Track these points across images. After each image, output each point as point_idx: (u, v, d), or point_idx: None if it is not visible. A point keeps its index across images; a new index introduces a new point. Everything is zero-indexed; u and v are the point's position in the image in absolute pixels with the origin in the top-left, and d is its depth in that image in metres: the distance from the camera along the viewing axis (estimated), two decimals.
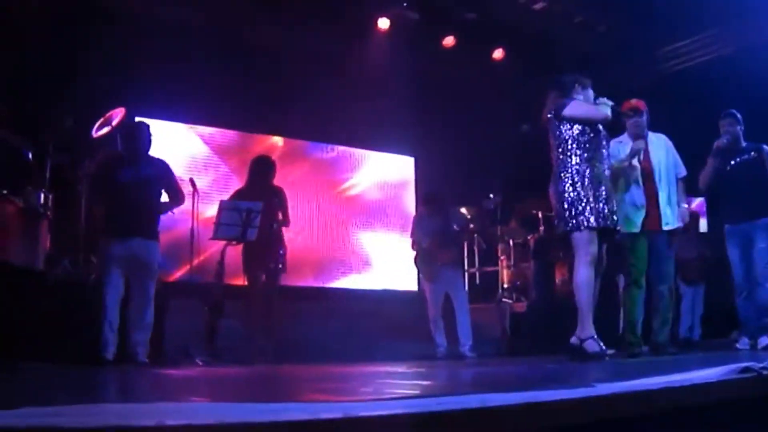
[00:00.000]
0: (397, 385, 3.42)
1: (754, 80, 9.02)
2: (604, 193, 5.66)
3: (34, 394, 2.86)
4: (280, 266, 7.92)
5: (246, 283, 7.89)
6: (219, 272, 7.46)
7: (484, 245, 11.14)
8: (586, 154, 5.67)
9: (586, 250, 5.60)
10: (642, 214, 6.54)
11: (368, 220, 12.02)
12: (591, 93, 5.91)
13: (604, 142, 5.85)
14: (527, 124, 11.86)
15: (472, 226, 9.84)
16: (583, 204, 5.58)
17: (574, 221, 5.60)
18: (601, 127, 5.81)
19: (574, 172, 5.65)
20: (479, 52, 11.82)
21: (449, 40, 11.51)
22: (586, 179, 5.62)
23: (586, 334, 5.49)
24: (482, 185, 10.82)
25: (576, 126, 5.71)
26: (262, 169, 8.11)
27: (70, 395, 2.73)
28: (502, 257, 11.34)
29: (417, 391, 3.01)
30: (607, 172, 5.80)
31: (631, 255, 6.58)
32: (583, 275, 5.60)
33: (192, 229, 7.78)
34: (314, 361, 7.03)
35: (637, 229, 6.53)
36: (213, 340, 7.20)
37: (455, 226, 8.81)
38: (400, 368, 5.70)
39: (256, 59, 10.19)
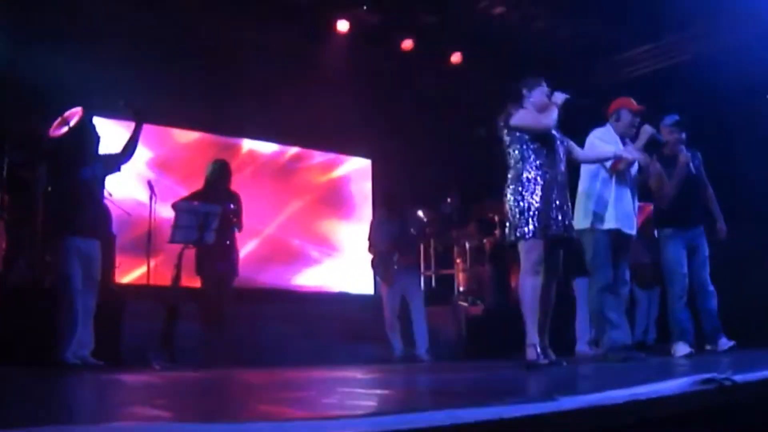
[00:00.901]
0: (357, 395, 3.41)
1: (710, 87, 9.13)
2: (556, 200, 5.59)
3: None
4: (233, 269, 7.91)
5: (201, 286, 7.85)
6: (176, 275, 7.40)
7: (441, 248, 11.19)
8: (537, 161, 5.62)
9: (527, 259, 5.56)
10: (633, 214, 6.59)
11: (325, 223, 11.99)
12: (543, 90, 5.82)
13: (558, 145, 5.78)
14: (483, 128, 11.90)
15: (428, 229, 9.87)
16: (529, 213, 5.53)
17: (518, 231, 5.57)
18: (554, 130, 5.77)
19: (524, 180, 5.60)
20: (438, 55, 11.83)
21: (408, 44, 11.51)
22: (536, 187, 5.57)
23: (528, 341, 5.43)
24: (439, 188, 10.84)
25: (525, 134, 5.67)
26: (218, 172, 8.04)
27: (31, 411, 2.68)
28: (458, 260, 11.38)
29: (378, 404, 3.00)
30: (561, 177, 5.70)
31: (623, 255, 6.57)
32: (524, 284, 5.58)
33: (149, 232, 7.72)
34: (272, 365, 7.01)
35: (632, 231, 6.56)
36: (170, 344, 7.14)
37: (412, 230, 8.82)
38: (358, 373, 5.69)
39: (215, 59, 10.09)
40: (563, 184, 5.73)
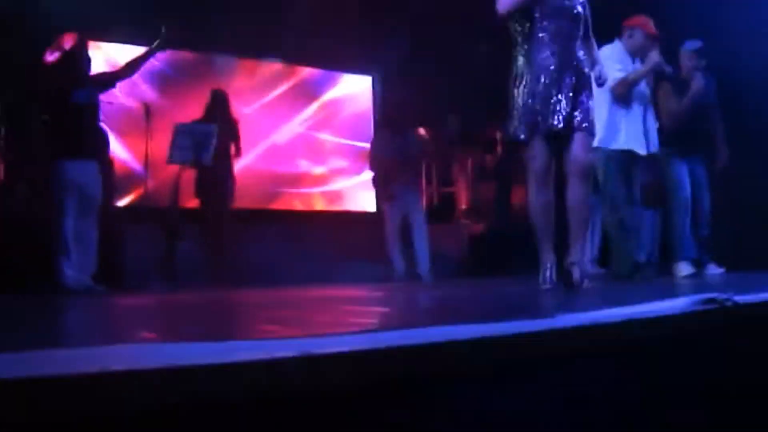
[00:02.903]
0: (354, 313, 3.38)
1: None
2: (558, 90, 4.55)
3: None
4: (231, 191, 7.94)
5: (199, 207, 7.86)
6: (174, 196, 7.38)
7: (443, 166, 11.12)
8: (533, 45, 4.62)
9: (528, 163, 4.67)
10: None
11: (325, 141, 11.87)
12: None
13: (566, 23, 4.68)
14: (486, 43, 11.70)
15: (430, 147, 9.77)
16: (523, 108, 4.60)
17: (512, 129, 4.67)
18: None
19: (518, 69, 4.67)
20: None
21: None
22: (530, 75, 4.60)
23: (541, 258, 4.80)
24: (442, 107, 10.70)
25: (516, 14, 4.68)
26: (218, 100, 8.13)
27: (24, 334, 2.65)
28: (459, 178, 11.31)
29: (375, 321, 2.96)
30: (568, 61, 4.64)
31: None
32: (529, 196, 4.81)
33: (146, 154, 7.67)
34: (272, 285, 7.00)
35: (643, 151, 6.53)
36: (170, 265, 7.15)
37: (414, 148, 8.73)
38: (358, 292, 5.67)
39: None
40: (573, 68, 4.66)
